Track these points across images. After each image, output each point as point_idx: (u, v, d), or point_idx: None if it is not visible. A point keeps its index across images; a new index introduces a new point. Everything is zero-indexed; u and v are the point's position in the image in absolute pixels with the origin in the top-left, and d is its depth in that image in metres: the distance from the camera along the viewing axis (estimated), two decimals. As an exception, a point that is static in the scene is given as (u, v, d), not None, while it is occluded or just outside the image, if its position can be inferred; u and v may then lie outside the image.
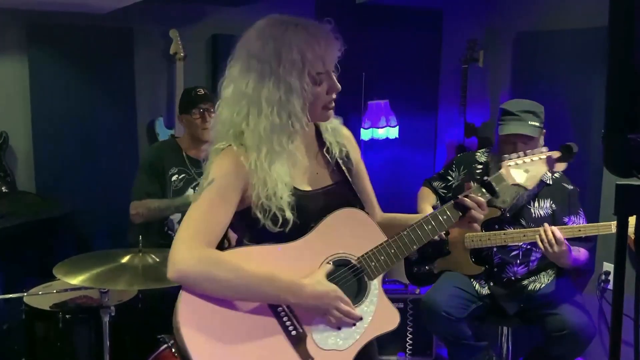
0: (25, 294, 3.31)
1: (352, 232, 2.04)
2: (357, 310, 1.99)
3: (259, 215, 1.92)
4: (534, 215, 3.48)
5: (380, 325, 2.06)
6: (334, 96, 2.01)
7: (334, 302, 1.93)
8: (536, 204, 3.50)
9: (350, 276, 2.03)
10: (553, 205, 3.50)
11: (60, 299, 3.29)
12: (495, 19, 4.96)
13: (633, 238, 1.44)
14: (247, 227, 2.01)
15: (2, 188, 4.24)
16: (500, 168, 3.48)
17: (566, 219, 3.48)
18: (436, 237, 2.16)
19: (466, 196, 2.14)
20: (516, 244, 3.48)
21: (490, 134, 3.91)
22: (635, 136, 1.33)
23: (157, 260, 3.03)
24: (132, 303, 3.35)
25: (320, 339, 1.96)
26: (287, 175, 1.95)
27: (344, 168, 2.14)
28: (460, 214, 2.13)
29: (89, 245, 4.29)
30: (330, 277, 1.98)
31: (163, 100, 4.82)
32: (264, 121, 1.91)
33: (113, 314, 3.06)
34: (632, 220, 1.42)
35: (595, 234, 3.36)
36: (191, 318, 1.82)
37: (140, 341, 3.35)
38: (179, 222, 3.77)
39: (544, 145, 3.48)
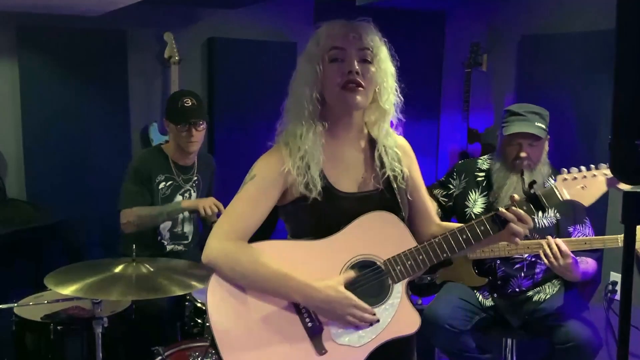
0: (16, 304, 3.27)
1: (381, 235, 2.10)
2: (376, 311, 2.06)
3: (298, 179, 2.04)
4: (538, 224, 3.42)
5: (399, 328, 2.11)
6: (352, 76, 2.02)
7: (346, 309, 2.02)
8: (540, 213, 3.42)
9: (373, 277, 2.09)
10: (557, 215, 3.44)
11: (51, 310, 3.26)
12: (499, 22, 4.91)
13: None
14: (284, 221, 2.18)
15: (-8, 195, 4.20)
16: (507, 177, 3.38)
17: (571, 229, 3.43)
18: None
19: (507, 209, 2.10)
20: (520, 255, 3.41)
21: (494, 140, 3.85)
22: (643, 142, 1.32)
23: (151, 270, 3.00)
24: (125, 314, 3.32)
25: (336, 333, 2.05)
26: (319, 154, 2.06)
27: (393, 181, 2.16)
28: (500, 227, 2.10)
29: (81, 255, 4.29)
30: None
31: (157, 105, 4.77)
32: (287, 114, 2.13)
33: (106, 325, 3.03)
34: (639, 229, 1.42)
35: (602, 247, 3.30)
36: (218, 293, 2.03)
37: (133, 353, 3.35)
38: (170, 229, 3.81)
39: (548, 151, 3.43)
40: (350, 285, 2.05)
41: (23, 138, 4.39)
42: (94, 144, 4.57)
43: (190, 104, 3.71)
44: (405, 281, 2.11)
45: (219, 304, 2.02)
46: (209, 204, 3.53)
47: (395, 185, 2.15)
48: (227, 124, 4.77)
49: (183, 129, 3.69)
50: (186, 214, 3.80)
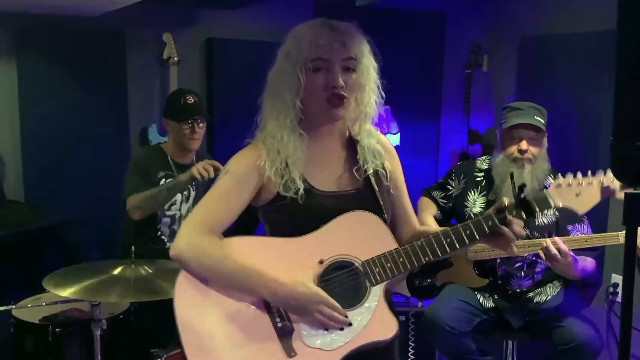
0: (14, 306, 3.27)
1: (360, 235, 2.03)
2: (350, 314, 1.98)
3: (273, 178, 2.00)
4: (537, 223, 3.41)
5: (374, 333, 2.01)
6: (337, 91, 1.98)
7: (316, 306, 1.94)
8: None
9: (347, 279, 2.02)
10: (557, 213, 3.43)
11: (50, 312, 3.25)
12: (499, 22, 4.90)
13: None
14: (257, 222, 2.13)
15: (-10, 197, 4.20)
16: (508, 172, 3.38)
17: (570, 227, 3.43)
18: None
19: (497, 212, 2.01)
20: (520, 255, 3.39)
21: (494, 141, 3.83)
22: (644, 144, 1.32)
23: (150, 271, 3.00)
24: (124, 316, 3.31)
25: (307, 335, 1.97)
26: (301, 158, 2.03)
27: (373, 180, 2.10)
28: (488, 231, 2.00)
29: (79, 256, 4.26)
30: (324, 277, 1.99)
31: (156, 106, 4.76)
32: (265, 112, 2.08)
33: (104, 327, 3.03)
34: (641, 230, 1.42)
35: (602, 244, 3.29)
36: (186, 290, 1.98)
37: (132, 355, 3.33)
38: (169, 226, 3.79)
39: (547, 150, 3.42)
40: (324, 287, 1.96)
41: (21, 139, 4.38)
42: (92, 145, 4.55)
43: (192, 101, 3.72)
44: (384, 284, 2.02)
45: (186, 301, 1.96)
46: (202, 166, 3.44)
47: (376, 187, 2.09)
48: (226, 124, 4.76)
49: (185, 126, 3.68)
50: (184, 211, 3.79)
